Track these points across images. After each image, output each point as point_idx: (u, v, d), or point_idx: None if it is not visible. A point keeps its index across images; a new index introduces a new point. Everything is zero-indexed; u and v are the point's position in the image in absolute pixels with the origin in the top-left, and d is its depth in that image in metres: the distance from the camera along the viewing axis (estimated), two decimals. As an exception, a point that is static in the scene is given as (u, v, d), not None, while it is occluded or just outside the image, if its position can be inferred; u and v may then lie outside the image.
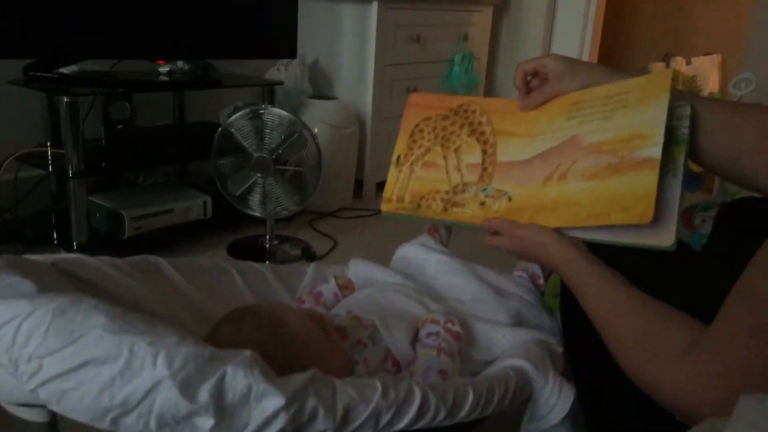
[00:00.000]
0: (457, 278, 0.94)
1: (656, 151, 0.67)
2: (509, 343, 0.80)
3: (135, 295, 0.73)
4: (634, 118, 0.71)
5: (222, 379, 0.53)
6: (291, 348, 0.70)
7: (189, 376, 0.52)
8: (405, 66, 2.29)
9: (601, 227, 0.69)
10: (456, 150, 0.82)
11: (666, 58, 2.81)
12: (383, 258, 1.07)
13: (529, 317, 0.88)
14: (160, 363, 0.52)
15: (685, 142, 0.70)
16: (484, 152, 0.81)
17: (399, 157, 0.84)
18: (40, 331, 0.53)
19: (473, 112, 0.84)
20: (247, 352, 0.55)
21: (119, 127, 1.72)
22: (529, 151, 0.78)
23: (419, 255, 1.00)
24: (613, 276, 0.66)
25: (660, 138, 0.67)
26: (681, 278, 0.77)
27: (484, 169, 0.80)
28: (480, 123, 0.83)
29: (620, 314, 0.63)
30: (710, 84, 2.80)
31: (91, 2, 1.49)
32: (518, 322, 0.86)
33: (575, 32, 2.66)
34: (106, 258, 0.74)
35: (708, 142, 0.71)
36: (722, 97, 2.57)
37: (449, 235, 1.05)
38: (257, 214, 1.76)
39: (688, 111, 0.71)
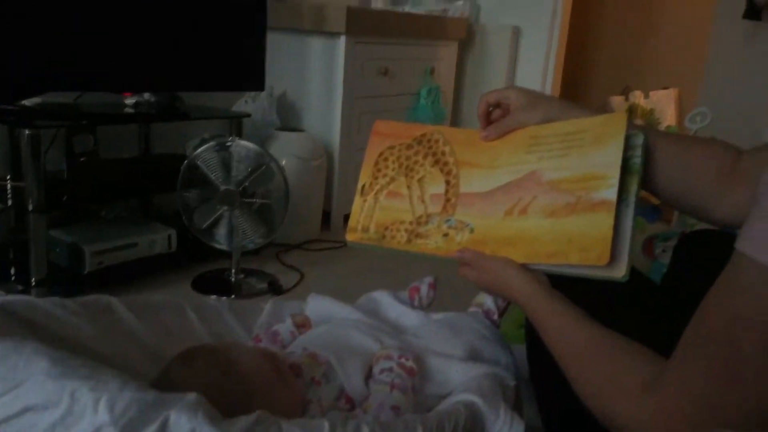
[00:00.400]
0: (416, 323, 0.95)
1: (612, 194, 0.68)
2: (463, 378, 0.81)
3: (84, 337, 0.72)
4: (590, 158, 0.72)
5: (165, 424, 0.52)
6: (243, 387, 0.69)
7: (131, 422, 0.51)
8: (372, 99, 2.33)
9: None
10: (420, 180, 0.82)
11: (625, 92, 2.91)
12: (350, 290, 1.07)
13: (485, 351, 0.89)
14: (101, 409, 0.51)
15: (637, 171, 0.71)
16: (447, 183, 0.81)
17: (364, 186, 0.84)
18: (-20, 378, 0.52)
19: (436, 141, 0.84)
20: (192, 395, 0.55)
21: (82, 159, 1.71)
22: (490, 183, 0.79)
23: (387, 301, 1.00)
24: (572, 312, 0.67)
25: (615, 180, 0.69)
26: (642, 310, 0.79)
27: (447, 200, 0.80)
28: (443, 153, 0.83)
29: (580, 351, 0.64)
30: (668, 117, 2.89)
31: (54, 34, 1.49)
32: (474, 356, 0.87)
33: (538, 66, 2.74)
34: (56, 299, 0.73)
35: (663, 175, 0.73)
36: (679, 130, 2.66)
37: (430, 301, 1.02)
38: (223, 247, 1.75)
39: (640, 140, 0.72)
